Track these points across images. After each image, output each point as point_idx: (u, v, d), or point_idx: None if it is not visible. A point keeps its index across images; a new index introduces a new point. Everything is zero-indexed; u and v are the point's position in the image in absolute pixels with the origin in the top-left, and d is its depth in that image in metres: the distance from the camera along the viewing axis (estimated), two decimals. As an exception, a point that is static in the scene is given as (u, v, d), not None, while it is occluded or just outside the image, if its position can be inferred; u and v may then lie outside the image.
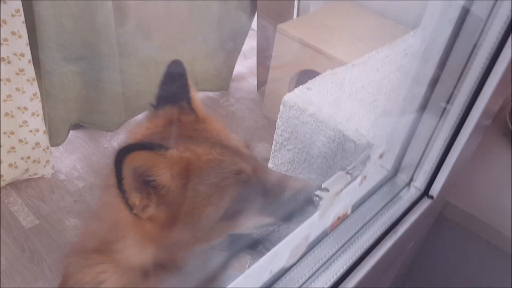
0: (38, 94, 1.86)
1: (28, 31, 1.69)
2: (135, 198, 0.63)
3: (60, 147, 2.24)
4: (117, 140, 2.40)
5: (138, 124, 0.80)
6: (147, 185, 0.64)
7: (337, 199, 0.53)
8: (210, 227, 0.69)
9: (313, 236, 0.58)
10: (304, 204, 0.69)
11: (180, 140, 0.70)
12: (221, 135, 0.74)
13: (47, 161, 2.07)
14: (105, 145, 2.36)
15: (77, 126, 2.33)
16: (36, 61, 1.82)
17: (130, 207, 0.64)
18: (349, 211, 0.60)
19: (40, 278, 1.78)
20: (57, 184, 2.14)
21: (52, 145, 2.10)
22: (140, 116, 2.45)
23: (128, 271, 0.72)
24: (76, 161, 2.26)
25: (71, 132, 2.28)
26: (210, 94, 2.69)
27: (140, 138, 0.74)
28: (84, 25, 1.88)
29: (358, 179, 0.63)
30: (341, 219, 0.59)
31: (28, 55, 1.73)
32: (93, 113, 2.21)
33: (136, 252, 0.71)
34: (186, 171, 0.66)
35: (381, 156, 0.71)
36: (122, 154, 0.58)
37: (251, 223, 0.72)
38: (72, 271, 0.75)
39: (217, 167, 0.68)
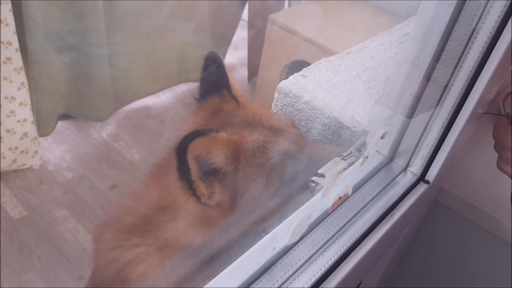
0: (26, 84, 1.82)
1: (16, 19, 1.66)
2: (202, 188, 0.64)
3: (48, 137, 2.21)
4: (106, 130, 2.37)
5: (184, 120, 0.83)
6: (208, 172, 0.65)
7: (339, 178, 0.53)
8: (263, 206, 0.70)
9: (315, 216, 0.58)
10: None
11: (225, 128, 0.71)
12: (262, 118, 0.76)
13: (35, 152, 2.04)
14: (94, 136, 2.34)
15: (65, 116, 2.30)
16: (24, 50, 1.78)
17: (198, 197, 0.65)
18: (350, 191, 0.60)
19: (30, 269, 1.76)
20: (46, 175, 2.11)
21: (40, 136, 2.07)
22: (130, 106, 2.44)
23: (169, 252, 0.72)
24: (64, 152, 2.23)
25: (60, 123, 2.25)
26: (201, 84, 2.68)
27: None
28: (72, 13, 1.85)
29: (360, 159, 0.63)
30: (342, 199, 0.59)
31: (16, 44, 1.70)
32: (81, 103, 2.18)
33: (188, 235, 0.70)
34: (236, 154, 0.68)
35: (382, 137, 0.71)
36: (184, 145, 0.59)
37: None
38: (106, 248, 0.75)
39: (261, 148, 0.70)
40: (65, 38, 1.91)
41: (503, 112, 1.17)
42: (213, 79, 0.82)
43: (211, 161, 0.65)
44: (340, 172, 0.52)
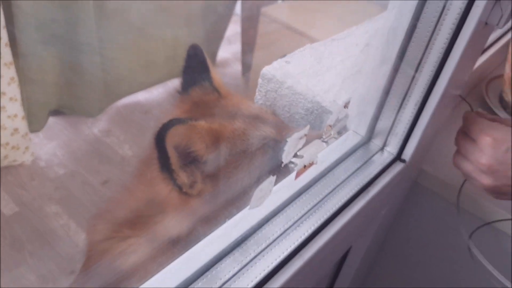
0: (16, 79, 1.83)
1: (5, 11, 1.66)
2: (183, 177, 0.64)
3: (39, 133, 2.21)
4: (98, 126, 2.37)
5: (165, 113, 0.84)
6: (189, 161, 0.65)
7: (300, 143, 0.54)
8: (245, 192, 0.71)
9: (280, 183, 0.59)
10: None
11: (206, 118, 0.72)
12: (242, 107, 0.78)
13: (27, 148, 2.04)
14: (86, 131, 2.34)
15: (56, 112, 2.30)
16: (13, 43, 1.78)
17: (180, 187, 0.65)
18: (315, 161, 0.60)
19: (21, 264, 1.76)
20: (37, 171, 2.11)
21: (31, 131, 2.07)
22: (122, 101, 2.44)
23: (160, 244, 0.72)
24: (56, 148, 2.23)
25: (51, 119, 2.25)
26: (193, 80, 2.68)
27: None
28: (61, 4, 1.85)
29: (324, 128, 0.64)
30: (307, 168, 0.59)
31: (5, 38, 1.70)
32: (73, 98, 2.18)
33: (175, 226, 0.71)
34: (217, 142, 0.68)
35: (346, 106, 0.72)
36: (162, 134, 0.59)
37: None
38: (99, 239, 0.75)
39: (242, 135, 0.71)
40: (55, 30, 1.91)
41: (486, 99, 1.19)
42: (195, 72, 0.83)
43: (191, 150, 0.65)
44: (301, 138, 0.53)
